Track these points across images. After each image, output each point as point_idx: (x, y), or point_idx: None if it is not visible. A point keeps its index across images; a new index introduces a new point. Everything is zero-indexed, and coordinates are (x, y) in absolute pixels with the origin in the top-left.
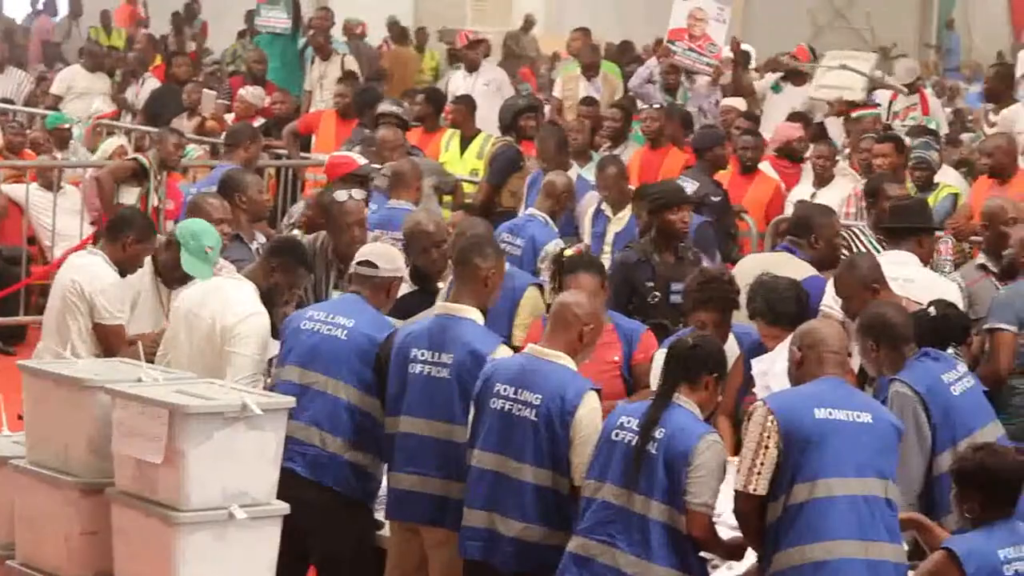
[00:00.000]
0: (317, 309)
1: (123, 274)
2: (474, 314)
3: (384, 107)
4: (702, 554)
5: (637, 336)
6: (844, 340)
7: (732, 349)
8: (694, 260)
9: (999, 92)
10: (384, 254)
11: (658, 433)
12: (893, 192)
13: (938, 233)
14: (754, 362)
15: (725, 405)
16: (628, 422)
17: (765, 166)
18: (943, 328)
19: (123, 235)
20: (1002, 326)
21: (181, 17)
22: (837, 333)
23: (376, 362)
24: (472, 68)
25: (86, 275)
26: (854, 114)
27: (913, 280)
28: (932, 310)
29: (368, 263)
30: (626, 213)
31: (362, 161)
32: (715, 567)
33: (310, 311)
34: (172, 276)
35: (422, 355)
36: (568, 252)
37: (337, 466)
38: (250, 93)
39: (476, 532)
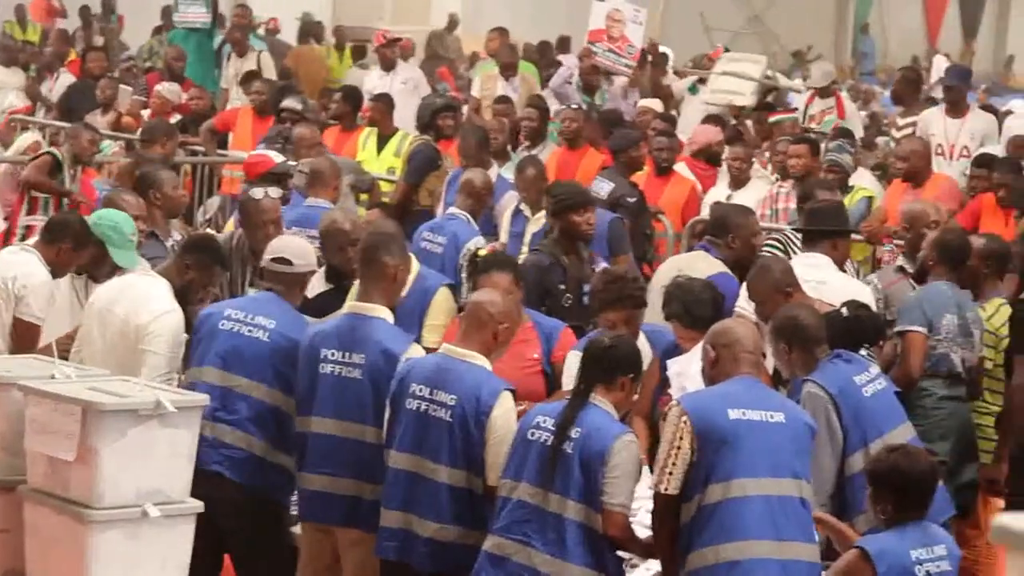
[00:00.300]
0: (234, 308)
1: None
2: (384, 313)
3: (286, 103)
4: (620, 553)
5: (556, 334)
6: (758, 339)
7: (644, 349)
8: (591, 260)
9: (905, 96)
10: (297, 249)
11: (574, 433)
12: (825, 197)
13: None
14: (670, 363)
15: (641, 406)
16: (544, 422)
17: (681, 167)
18: (855, 329)
19: (60, 241)
20: (912, 328)
21: (89, 11)
22: (751, 332)
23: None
24: (388, 67)
25: (21, 270)
26: (771, 119)
27: (826, 282)
28: (844, 311)
29: (282, 259)
30: (543, 213)
31: (279, 159)
32: (634, 566)
33: (227, 309)
34: (100, 271)
35: (332, 355)
36: (482, 252)
37: (264, 468)
38: (167, 89)
39: (392, 533)
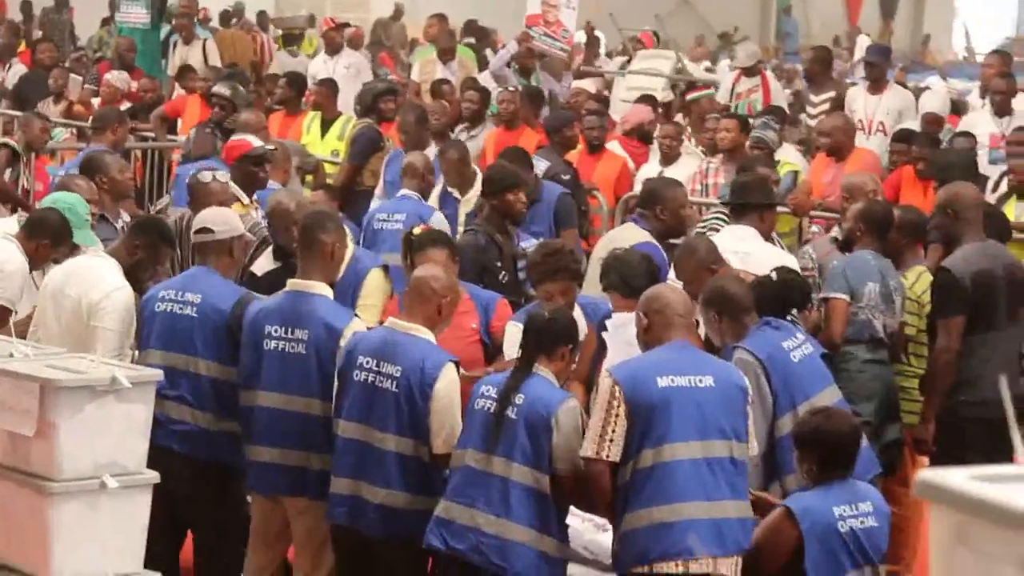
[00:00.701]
0: (167, 287)
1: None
2: (325, 290)
3: (215, 89)
4: (594, 517)
5: (493, 304)
6: (690, 304)
7: (580, 321)
8: (517, 238)
9: (817, 75)
10: (217, 217)
11: (517, 399)
12: (764, 173)
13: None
14: (610, 323)
15: (580, 372)
16: (488, 391)
17: (614, 145)
18: (784, 293)
19: (39, 238)
20: (835, 295)
21: (31, 6)
22: (682, 297)
23: (228, 332)
24: (334, 51)
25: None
26: (689, 97)
27: (751, 253)
28: (774, 275)
29: (204, 229)
30: (474, 193)
31: (257, 143)
32: (606, 530)
33: (161, 290)
34: (59, 254)
35: (276, 331)
36: (416, 231)
37: (210, 438)
38: (116, 78)
39: (343, 499)
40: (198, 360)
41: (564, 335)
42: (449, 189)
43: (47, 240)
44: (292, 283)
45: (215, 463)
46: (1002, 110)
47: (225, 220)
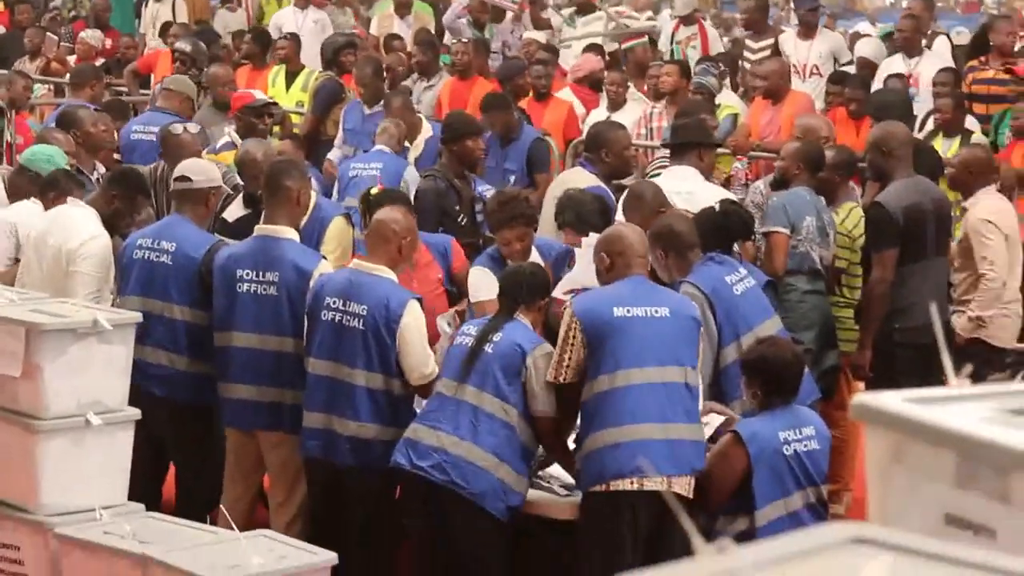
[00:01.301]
0: (143, 235)
1: None
2: (291, 234)
3: (177, 45)
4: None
5: (449, 249)
6: (646, 242)
7: (535, 258)
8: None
9: (755, 23)
10: (197, 168)
11: (495, 337)
12: (704, 116)
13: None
14: (586, 240)
15: None
16: (469, 330)
17: (567, 93)
18: (727, 224)
19: (51, 194)
20: (776, 229)
21: None
22: (640, 237)
23: (199, 277)
24: (303, 5)
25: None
26: (624, 45)
27: (694, 192)
28: (717, 207)
29: (183, 178)
30: (422, 139)
31: (259, 96)
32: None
33: (138, 239)
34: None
35: (247, 275)
36: (373, 191)
37: (187, 380)
38: (90, 36)
39: (315, 432)
40: (173, 306)
41: (543, 289)
42: None
43: (54, 193)
44: (259, 228)
45: (191, 404)
46: (908, 50)
47: (203, 171)
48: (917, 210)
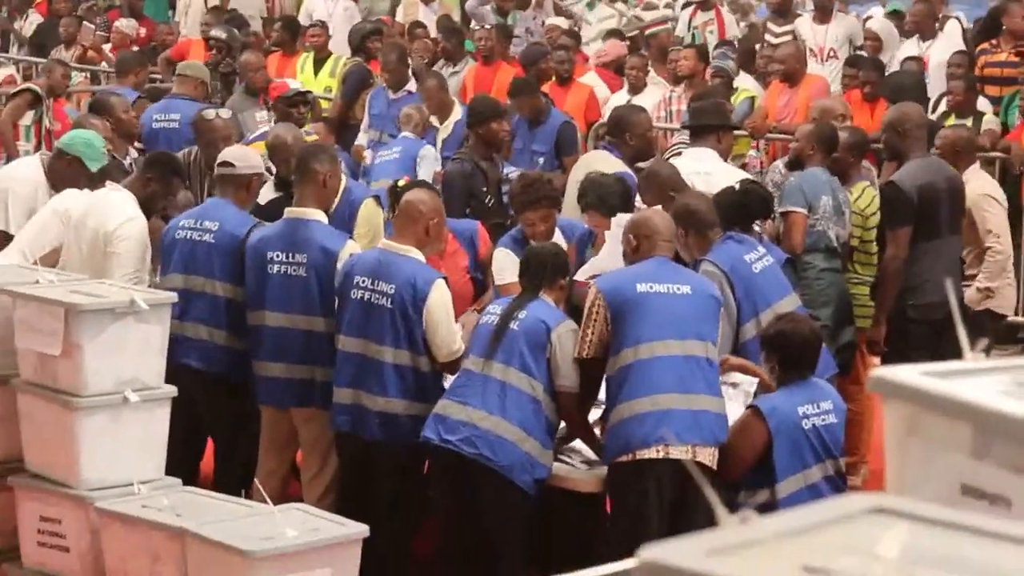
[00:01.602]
0: (187, 217)
1: None
2: (320, 216)
3: (212, 32)
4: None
5: (475, 235)
6: (672, 226)
7: (559, 239)
8: (500, 165)
9: (782, 5)
10: (240, 154)
11: (520, 315)
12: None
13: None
14: (615, 220)
15: None
16: (494, 309)
17: (592, 77)
18: (747, 203)
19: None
20: (794, 208)
21: None
22: (668, 221)
23: (240, 256)
24: None
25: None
26: (647, 31)
27: (712, 173)
28: (736, 186)
29: (226, 163)
30: (451, 121)
31: (294, 85)
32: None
33: (182, 220)
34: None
35: (278, 256)
36: (400, 183)
37: (225, 354)
38: (125, 25)
39: (345, 408)
40: (215, 282)
41: (564, 268)
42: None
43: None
44: (289, 211)
45: (228, 378)
46: (922, 34)
47: (247, 158)
48: (931, 189)
